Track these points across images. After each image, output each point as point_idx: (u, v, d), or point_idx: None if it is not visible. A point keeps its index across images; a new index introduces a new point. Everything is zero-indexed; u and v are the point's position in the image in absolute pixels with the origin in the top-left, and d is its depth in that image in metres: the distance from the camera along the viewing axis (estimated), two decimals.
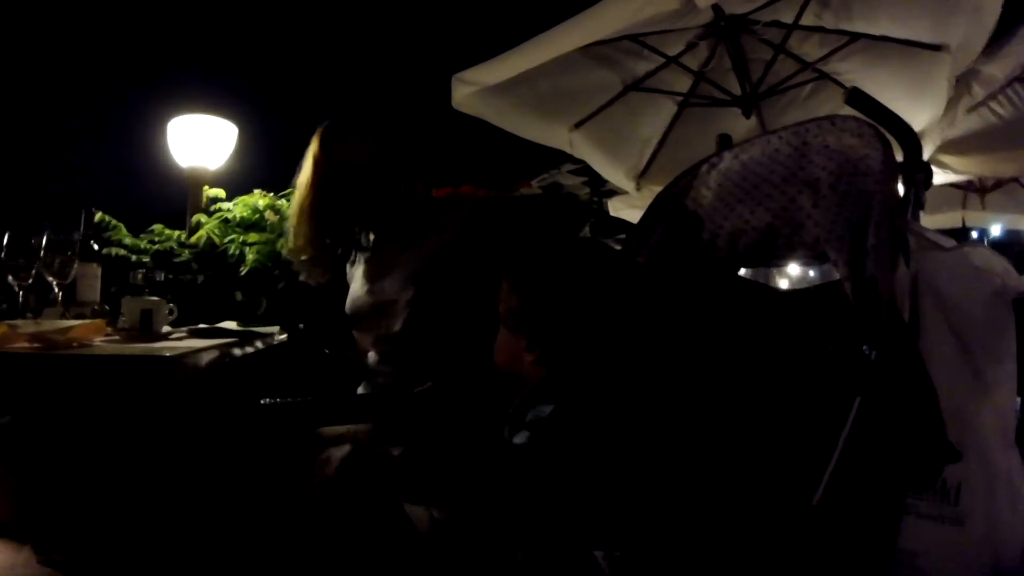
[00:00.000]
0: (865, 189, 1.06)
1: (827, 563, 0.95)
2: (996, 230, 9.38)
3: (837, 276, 1.10)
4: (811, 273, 1.37)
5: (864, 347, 0.91)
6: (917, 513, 1.24)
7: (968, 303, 1.08)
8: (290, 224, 1.90)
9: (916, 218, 1.19)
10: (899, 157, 1.12)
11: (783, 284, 1.22)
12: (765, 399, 1.03)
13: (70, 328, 1.45)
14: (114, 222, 3.14)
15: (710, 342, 1.15)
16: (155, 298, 1.76)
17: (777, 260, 1.25)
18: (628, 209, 5.71)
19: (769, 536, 0.95)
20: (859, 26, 3.73)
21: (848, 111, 1.21)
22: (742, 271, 1.31)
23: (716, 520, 0.99)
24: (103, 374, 1.25)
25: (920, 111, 3.66)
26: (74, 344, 1.39)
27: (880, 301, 0.92)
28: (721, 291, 1.23)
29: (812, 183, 1.18)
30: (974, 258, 1.10)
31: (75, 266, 2.01)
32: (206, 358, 1.39)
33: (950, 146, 4.63)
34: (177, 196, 3.67)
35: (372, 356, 1.83)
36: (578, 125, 4.45)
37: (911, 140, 1.15)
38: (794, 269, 1.22)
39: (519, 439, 1.10)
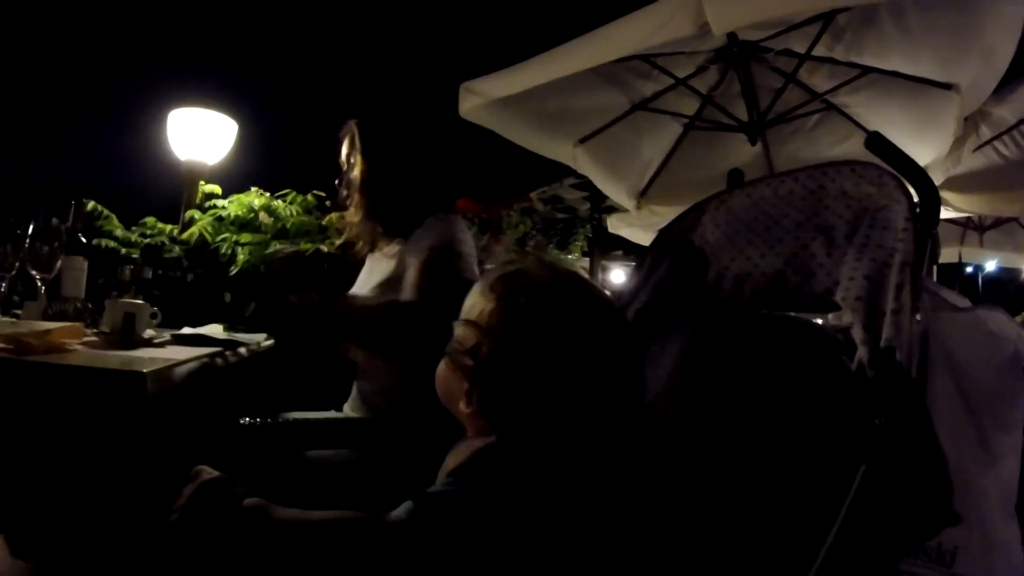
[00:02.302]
0: (884, 244, 1.02)
1: None
2: (991, 266, 9.41)
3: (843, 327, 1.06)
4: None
5: (874, 416, 0.87)
6: (910, 574, 1.20)
7: (980, 370, 1.04)
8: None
9: (930, 273, 1.15)
10: None
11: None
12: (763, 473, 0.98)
13: (47, 331, 1.40)
14: (106, 212, 3.08)
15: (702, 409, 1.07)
16: (138, 301, 1.71)
17: (783, 307, 1.21)
18: (626, 227, 5.69)
19: None
20: (870, 60, 3.71)
21: (867, 155, 1.17)
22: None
23: None
24: (74, 385, 1.19)
25: (926, 148, 3.65)
26: (49, 349, 1.34)
27: (896, 370, 0.88)
28: (722, 346, 1.16)
29: (826, 230, 1.14)
30: (989, 323, 1.06)
31: (60, 260, 1.95)
32: (185, 371, 1.34)
33: (953, 183, 4.63)
34: (172, 188, 3.63)
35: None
36: (583, 140, 4.42)
37: (930, 192, 1.11)
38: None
39: (399, 511, 0.90)
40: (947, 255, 7.36)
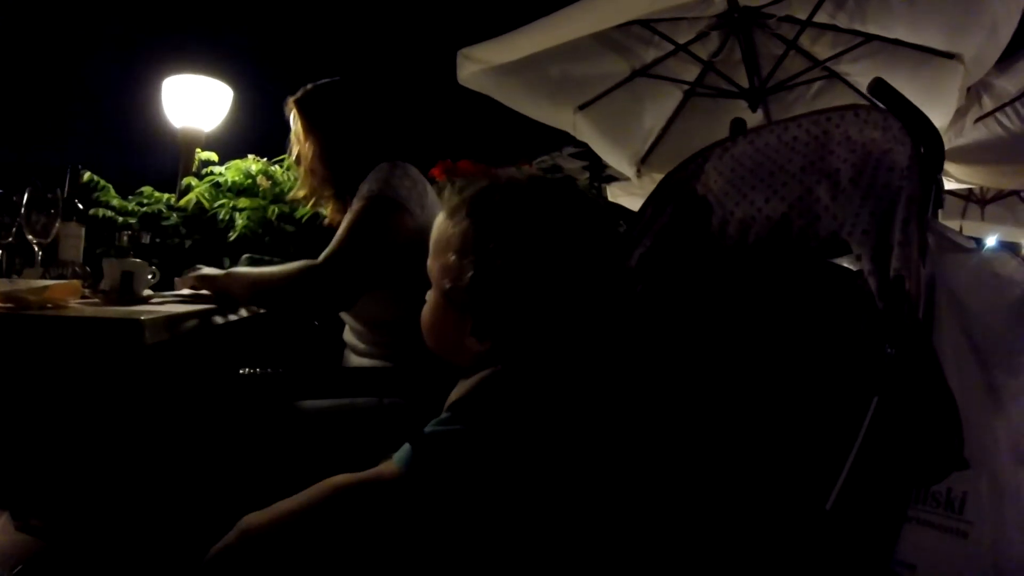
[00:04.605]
0: (890, 184, 1.01)
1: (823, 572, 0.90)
2: (991, 241, 9.41)
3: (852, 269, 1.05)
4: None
5: (886, 346, 0.86)
6: (918, 520, 1.19)
7: (987, 311, 1.03)
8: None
9: (935, 216, 1.14)
10: None
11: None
12: (778, 401, 0.97)
13: (45, 288, 1.38)
14: (102, 183, 3.07)
15: (719, 342, 1.07)
16: (136, 260, 1.69)
17: (788, 251, 1.20)
18: (627, 196, 5.66)
19: (778, 546, 0.90)
20: (872, 28, 3.68)
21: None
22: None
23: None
24: (74, 336, 1.18)
25: (928, 117, 3.62)
26: (48, 305, 1.32)
27: (905, 300, 0.87)
28: (732, 282, 1.16)
29: (831, 174, 1.13)
30: (996, 264, 1.05)
31: (57, 225, 1.93)
32: (184, 324, 1.33)
33: (955, 155, 4.61)
34: (169, 158, 3.61)
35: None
36: (583, 107, 4.38)
37: (933, 137, 1.09)
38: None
39: (398, 458, 0.89)
40: None
